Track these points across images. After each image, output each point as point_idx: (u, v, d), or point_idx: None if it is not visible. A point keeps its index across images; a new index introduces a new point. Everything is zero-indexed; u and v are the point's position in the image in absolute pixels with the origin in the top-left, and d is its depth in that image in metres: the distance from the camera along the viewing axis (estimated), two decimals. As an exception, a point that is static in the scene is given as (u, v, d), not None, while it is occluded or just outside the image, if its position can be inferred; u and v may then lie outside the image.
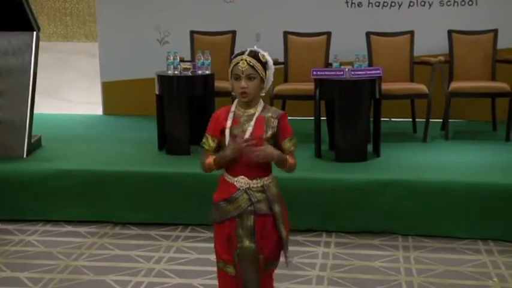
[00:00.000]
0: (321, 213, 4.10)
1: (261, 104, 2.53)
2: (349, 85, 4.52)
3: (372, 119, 4.69)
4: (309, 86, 4.91)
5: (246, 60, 2.46)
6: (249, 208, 2.48)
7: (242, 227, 2.49)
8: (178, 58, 4.89)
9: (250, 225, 2.48)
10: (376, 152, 4.67)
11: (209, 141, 2.53)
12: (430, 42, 5.81)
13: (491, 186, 3.96)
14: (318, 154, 4.65)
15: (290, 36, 5.73)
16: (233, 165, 2.50)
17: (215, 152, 2.52)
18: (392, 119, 6.04)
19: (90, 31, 7.45)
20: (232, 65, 2.49)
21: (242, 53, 2.49)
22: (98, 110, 6.69)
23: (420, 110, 5.45)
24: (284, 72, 5.62)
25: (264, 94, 2.54)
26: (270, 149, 2.45)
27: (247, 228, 2.48)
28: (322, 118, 4.75)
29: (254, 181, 2.49)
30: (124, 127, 5.95)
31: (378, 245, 3.93)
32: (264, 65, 2.49)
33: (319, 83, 4.66)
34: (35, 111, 4.85)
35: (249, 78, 2.46)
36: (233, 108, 2.53)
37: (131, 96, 6.43)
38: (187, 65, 4.88)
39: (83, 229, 4.22)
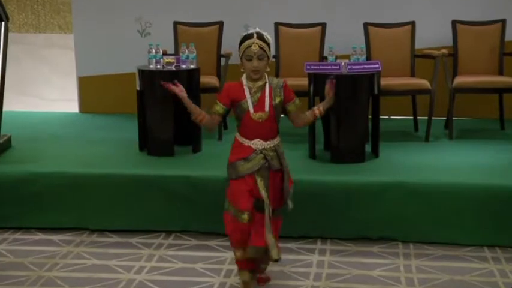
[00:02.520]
0: (315, 218, 4.11)
1: (266, 76, 3.24)
2: (346, 80, 4.53)
3: (370, 116, 4.70)
4: (302, 82, 4.92)
5: (257, 44, 3.15)
6: (266, 164, 3.22)
7: (262, 179, 3.22)
8: (161, 51, 4.88)
9: (267, 177, 3.22)
10: (375, 153, 4.69)
11: (218, 108, 3.25)
12: (433, 34, 5.84)
13: (498, 188, 3.98)
14: (312, 155, 4.66)
15: (281, 28, 5.74)
16: (249, 130, 3.22)
17: (221, 117, 3.28)
18: (392, 117, 6.07)
19: (65, 22, 7.41)
20: (244, 48, 3.16)
21: (251, 36, 3.17)
22: (74, 108, 6.67)
23: (422, 107, 5.47)
24: (275, 66, 5.62)
25: (268, 69, 3.23)
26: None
27: (265, 180, 3.22)
28: (316, 116, 4.76)
29: (268, 142, 3.24)
30: (102, 126, 5.93)
31: (377, 253, 3.95)
32: (269, 44, 3.19)
33: (313, 78, 4.67)
34: (4, 108, 4.82)
35: (260, 58, 3.16)
36: (244, 82, 3.22)
37: (110, 93, 6.42)
38: (171, 58, 4.87)
39: (56, 237, 4.20)
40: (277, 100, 3.24)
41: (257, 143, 3.23)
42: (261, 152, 3.23)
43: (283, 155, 3.30)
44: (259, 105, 3.21)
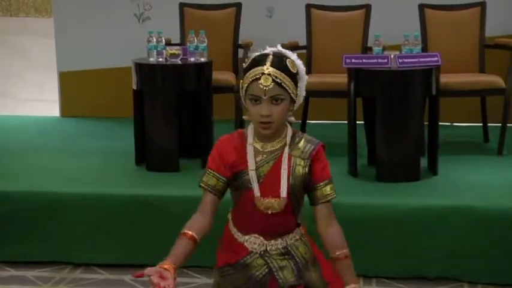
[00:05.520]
0: (355, 251, 4.10)
1: (289, 132, 2.41)
2: (396, 77, 4.54)
3: (426, 123, 4.71)
4: (341, 79, 4.93)
5: (271, 76, 2.29)
6: (265, 279, 2.41)
7: None
8: (163, 40, 4.93)
9: None
10: (433, 169, 4.68)
11: (212, 181, 2.40)
12: (508, 19, 5.81)
13: None
14: (353, 171, 4.67)
15: (314, 11, 5.76)
16: (246, 219, 2.42)
17: (221, 195, 2.41)
18: (455, 124, 6.05)
19: (43, 3, 7.50)
20: (248, 80, 2.33)
21: (262, 61, 2.31)
22: (54, 110, 6.73)
23: (494, 111, 5.45)
24: (307, 59, 5.64)
25: (293, 119, 2.41)
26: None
27: None
28: (358, 122, 4.77)
29: (273, 242, 2.42)
30: (89, 134, 5.97)
31: (435, 296, 3.95)
32: (295, 77, 2.34)
33: (355, 74, 4.69)
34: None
35: (275, 100, 2.31)
36: (250, 139, 2.40)
37: (99, 92, 6.46)
38: (176, 49, 4.91)
39: (30, 273, 4.23)
40: (298, 175, 2.39)
41: (253, 241, 2.42)
42: (261, 256, 2.42)
43: (311, 259, 2.49)
44: (269, 184, 2.37)
